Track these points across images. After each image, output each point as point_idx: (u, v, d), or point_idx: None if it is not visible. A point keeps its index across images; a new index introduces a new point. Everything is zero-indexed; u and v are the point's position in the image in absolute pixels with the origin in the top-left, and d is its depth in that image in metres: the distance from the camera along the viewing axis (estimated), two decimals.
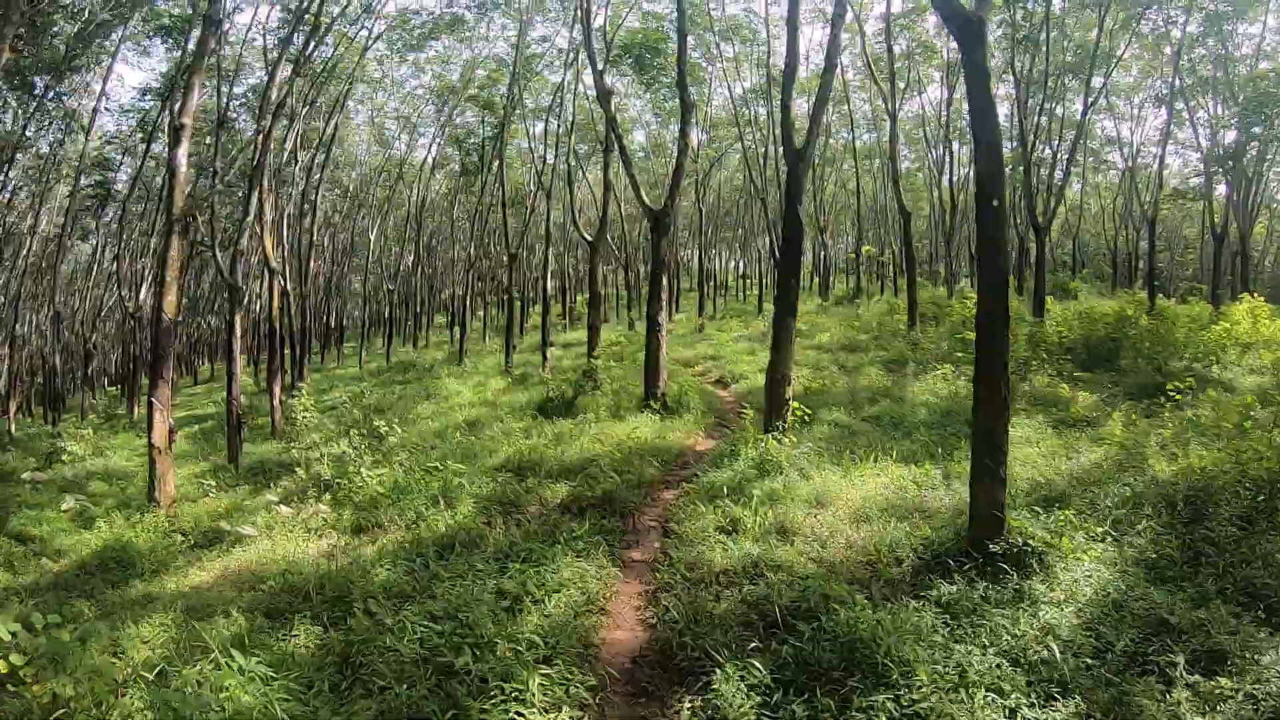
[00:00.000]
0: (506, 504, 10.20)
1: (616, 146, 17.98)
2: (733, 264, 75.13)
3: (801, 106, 38.60)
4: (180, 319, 22.04)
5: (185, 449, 20.99)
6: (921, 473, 10.55)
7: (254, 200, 19.01)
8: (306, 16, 21.16)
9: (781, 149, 11.85)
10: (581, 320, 56.59)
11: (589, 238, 21.28)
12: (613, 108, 18.14)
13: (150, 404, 12.55)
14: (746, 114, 43.31)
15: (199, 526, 11.85)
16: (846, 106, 43.44)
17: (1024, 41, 26.65)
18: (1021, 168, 26.60)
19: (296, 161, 32.06)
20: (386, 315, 52.17)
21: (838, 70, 37.81)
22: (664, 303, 16.01)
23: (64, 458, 20.25)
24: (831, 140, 46.07)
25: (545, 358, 26.15)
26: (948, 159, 39.71)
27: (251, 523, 11.21)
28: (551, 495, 10.48)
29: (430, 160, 43.43)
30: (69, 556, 11.39)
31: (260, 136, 19.61)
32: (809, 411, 12.84)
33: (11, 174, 30.18)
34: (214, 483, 14.97)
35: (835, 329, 30.45)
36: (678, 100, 16.79)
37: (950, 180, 41.06)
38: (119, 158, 33.58)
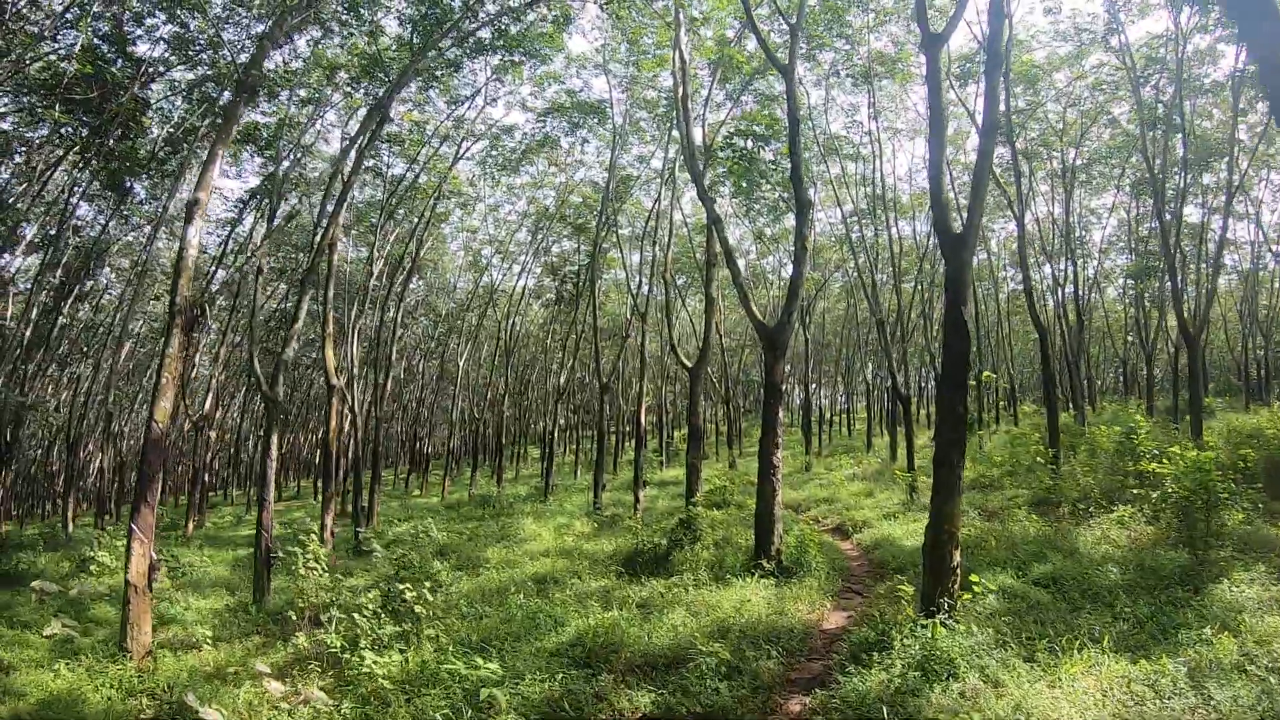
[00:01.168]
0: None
1: (722, 256, 15.51)
2: (831, 399, 71.57)
3: (905, 228, 36.26)
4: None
5: (222, 575, 18.84)
6: (1154, 669, 7.35)
7: (303, 307, 17.06)
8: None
9: (935, 238, 9.07)
10: (679, 457, 53.77)
11: (689, 364, 18.72)
12: (715, 209, 15.79)
13: (130, 531, 10.18)
14: (853, 237, 41.52)
15: (171, 689, 9.22)
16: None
17: (1158, 125, 23.64)
18: (1165, 271, 23.25)
19: (382, 281, 30.76)
20: (475, 445, 50.43)
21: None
22: (779, 438, 13.12)
23: (93, 568, 18.27)
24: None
25: (637, 499, 23.26)
26: (1070, 270, 36.12)
27: (230, 701, 8.47)
28: (630, 707, 7.46)
29: (524, 287, 42.12)
30: (21, 699, 8.97)
31: (320, 238, 17.87)
32: (976, 580, 9.59)
33: (103, 275, 29.88)
34: (213, 629, 12.42)
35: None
36: (792, 198, 14.32)
37: (1075, 294, 37.32)
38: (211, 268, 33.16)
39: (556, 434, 66.81)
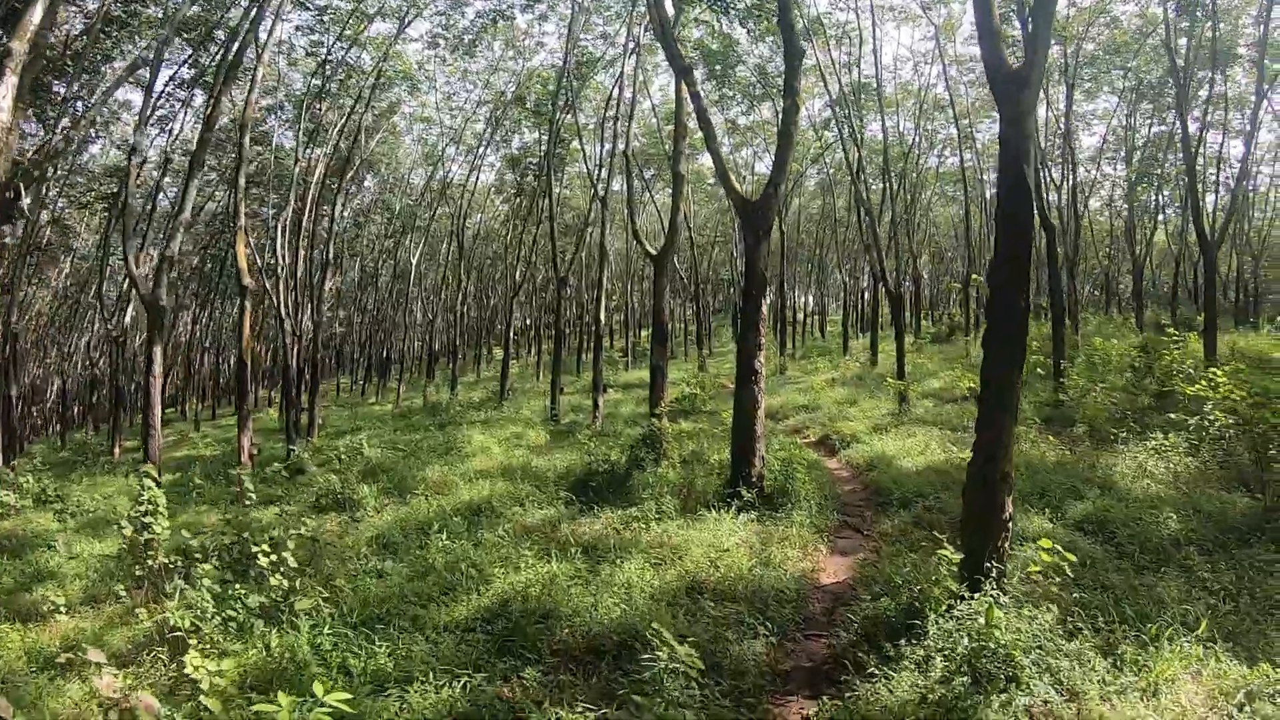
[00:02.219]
0: None
1: (694, 117, 12.82)
2: (803, 302, 69.55)
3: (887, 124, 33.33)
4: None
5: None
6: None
7: (190, 195, 14.20)
8: None
9: (989, 85, 6.46)
10: (646, 358, 51.17)
11: (653, 252, 16.11)
12: (684, 61, 12.95)
13: None
14: (840, 128, 38.70)
15: None
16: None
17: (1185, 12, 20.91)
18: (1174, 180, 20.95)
19: (329, 178, 27.63)
20: (433, 349, 47.87)
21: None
22: (762, 338, 10.71)
23: None
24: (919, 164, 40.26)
25: (596, 406, 20.99)
26: (1070, 176, 33.61)
27: (53, 702, 6.19)
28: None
29: (484, 182, 38.85)
30: None
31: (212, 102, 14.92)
32: (1046, 544, 7.38)
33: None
34: (86, 587, 10.05)
35: (944, 372, 24.78)
36: (782, 45, 11.58)
37: (1072, 200, 34.95)
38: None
39: (516, 336, 64.81)
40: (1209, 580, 7.28)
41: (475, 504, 12.05)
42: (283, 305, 22.94)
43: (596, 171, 24.57)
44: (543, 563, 8.16)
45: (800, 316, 63.60)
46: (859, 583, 7.89)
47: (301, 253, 27.09)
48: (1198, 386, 13.05)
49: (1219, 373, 12.87)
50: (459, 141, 37.50)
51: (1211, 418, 11.92)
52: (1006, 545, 6.56)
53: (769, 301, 10.21)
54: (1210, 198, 33.12)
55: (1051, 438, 13.71)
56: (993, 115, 41.12)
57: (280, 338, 28.91)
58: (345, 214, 42.08)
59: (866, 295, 55.91)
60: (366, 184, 44.04)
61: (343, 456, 17.85)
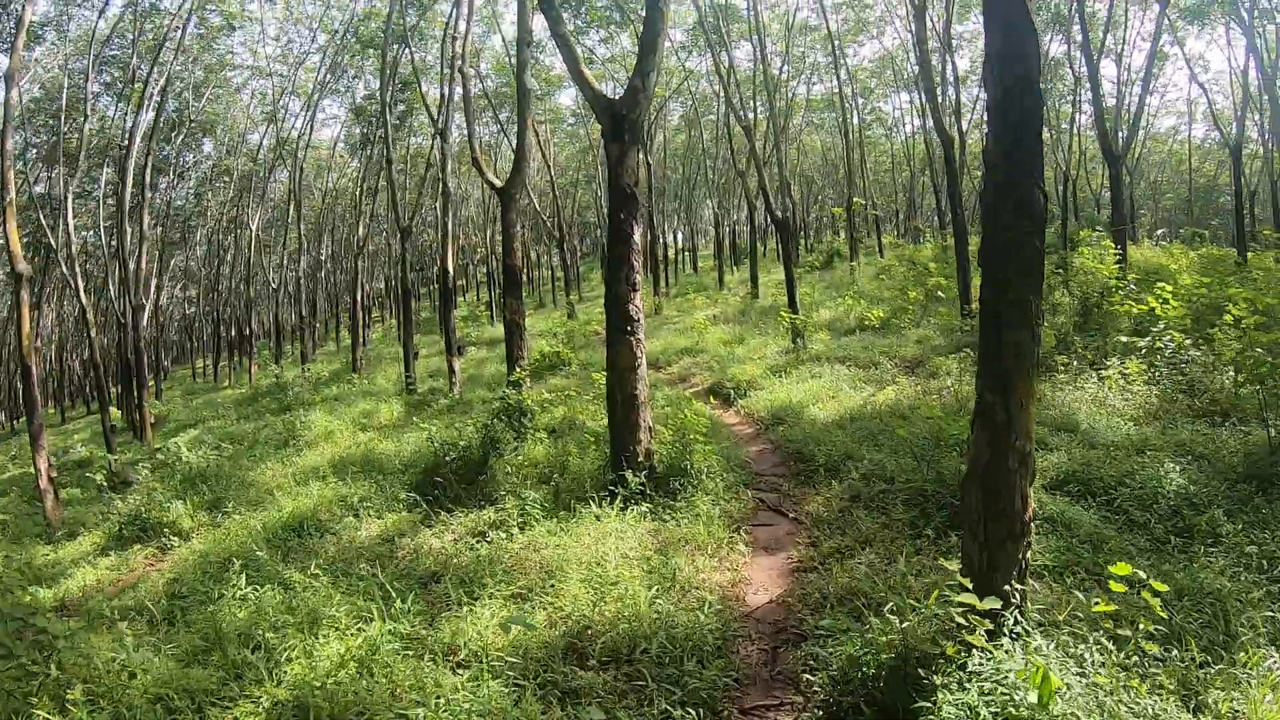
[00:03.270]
0: None
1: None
2: (672, 238, 67.60)
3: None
4: None
5: None
6: None
7: None
8: None
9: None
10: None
11: (498, 183, 13.30)
12: None
13: None
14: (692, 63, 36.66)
15: None
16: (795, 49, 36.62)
17: None
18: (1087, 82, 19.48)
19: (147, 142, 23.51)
20: (293, 320, 43.73)
21: None
22: (637, 275, 8.29)
23: None
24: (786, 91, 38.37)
25: (452, 371, 18.28)
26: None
27: None
28: None
29: (313, 135, 34.65)
30: None
31: None
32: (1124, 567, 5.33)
33: None
34: None
35: (830, 302, 23.11)
36: None
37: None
38: None
39: (381, 298, 60.52)
40: (1257, 556, 5.42)
41: (299, 517, 9.38)
42: (113, 289, 19.22)
43: (438, 106, 21.51)
44: (360, 625, 5.63)
45: (671, 254, 61.69)
46: (803, 603, 5.72)
47: (130, 230, 23.04)
48: (1138, 304, 11.54)
49: (1165, 287, 11.35)
50: (297, 93, 33.40)
51: (1167, 339, 10.35)
52: (1028, 555, 4.44)
53: (641, 230, 7.63)
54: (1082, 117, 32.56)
55: (971, 365, 11.91)
56: (859, 40, 39.90)
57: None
58: (181, 183, 37.61)
59: (739, 228, 54.45)
60: (206, 150, 39.34)
61: (164, 462, 14.73)
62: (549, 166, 38.67)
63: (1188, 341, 10.34)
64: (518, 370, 12.41)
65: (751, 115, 25.77)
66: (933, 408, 9.45)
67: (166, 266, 46.25)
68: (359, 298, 28.59)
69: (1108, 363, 10.75)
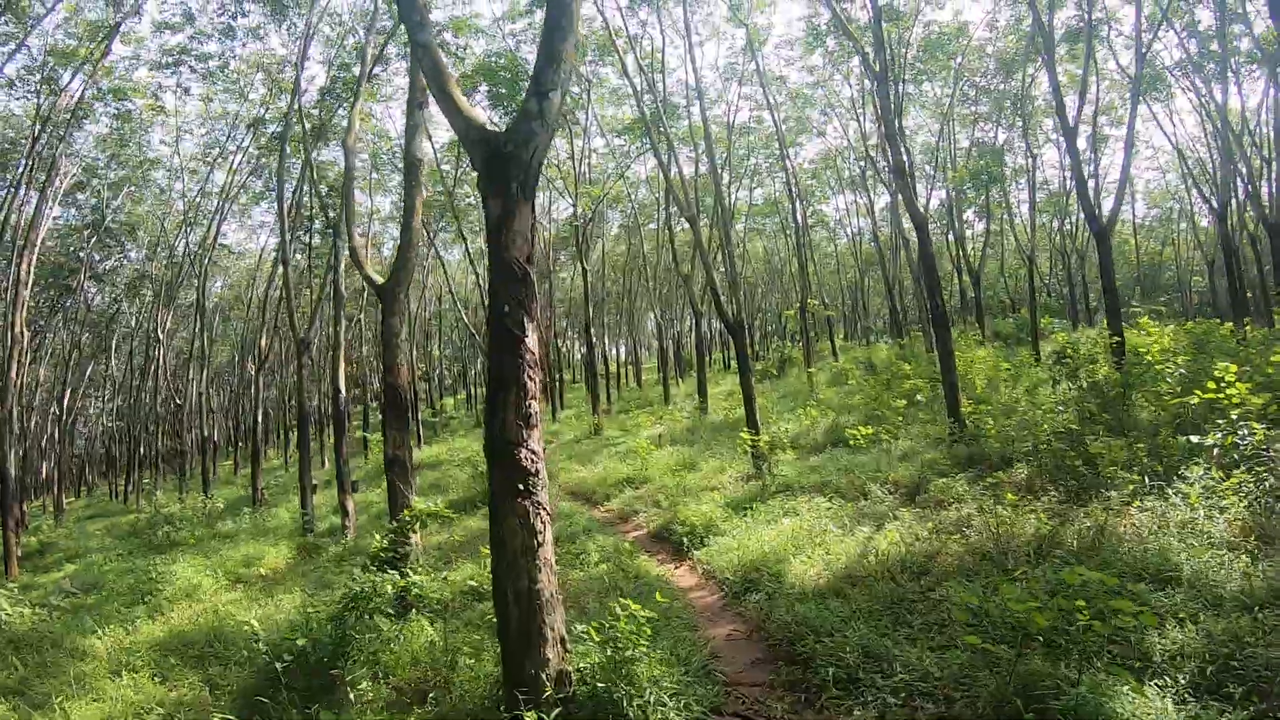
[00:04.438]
0: None
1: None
2: (615, 352, 65.13)
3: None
4: None
5: None
6: None
7: None
8: None
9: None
10: (450, 428, 44.51)
11: (378, 280, 10.33)
12: None
13: None
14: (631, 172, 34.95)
15: None
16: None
17: None
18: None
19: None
20: (207, 440, 39.61)
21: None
22: (535, 412, 5.34)
23: None
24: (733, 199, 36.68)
25: (345, 511, 15.04)
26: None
27: None
28: None
29: (213, 238, 31.58)
30: None
31: None
32: None
33: None
34: None
35: (788, 414, 20.36)
36: None
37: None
38: None
39: (265, 423, 56.32)
40: None
41: None
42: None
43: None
44: None
45: (613, 368, 59.07)
46: None
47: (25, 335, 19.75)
48: (1208, 393, 8.94)
49: (1228, 367, 8.79)
50: (214, 195, 30.59)
51: (1244, 432, 7.78)
52: None
53: (536, 331, 4.55)
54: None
55: (1012, 496, 9.01)
56: (798, 141, 38.76)
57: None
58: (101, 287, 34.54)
59: (685, 338, 52.33)
60: (130, 253, 36.35)
61: None
62: (428, 239, 35.74)
63: (1273, 433, 7.80)
64: (401, 525, 9.20)
65: (695, 210, 23.61)
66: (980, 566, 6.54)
67: (83, 375, 43.62)
68: (258, 420, 25.10)
69: (1185, 472, 7.99)
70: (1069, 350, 14.78)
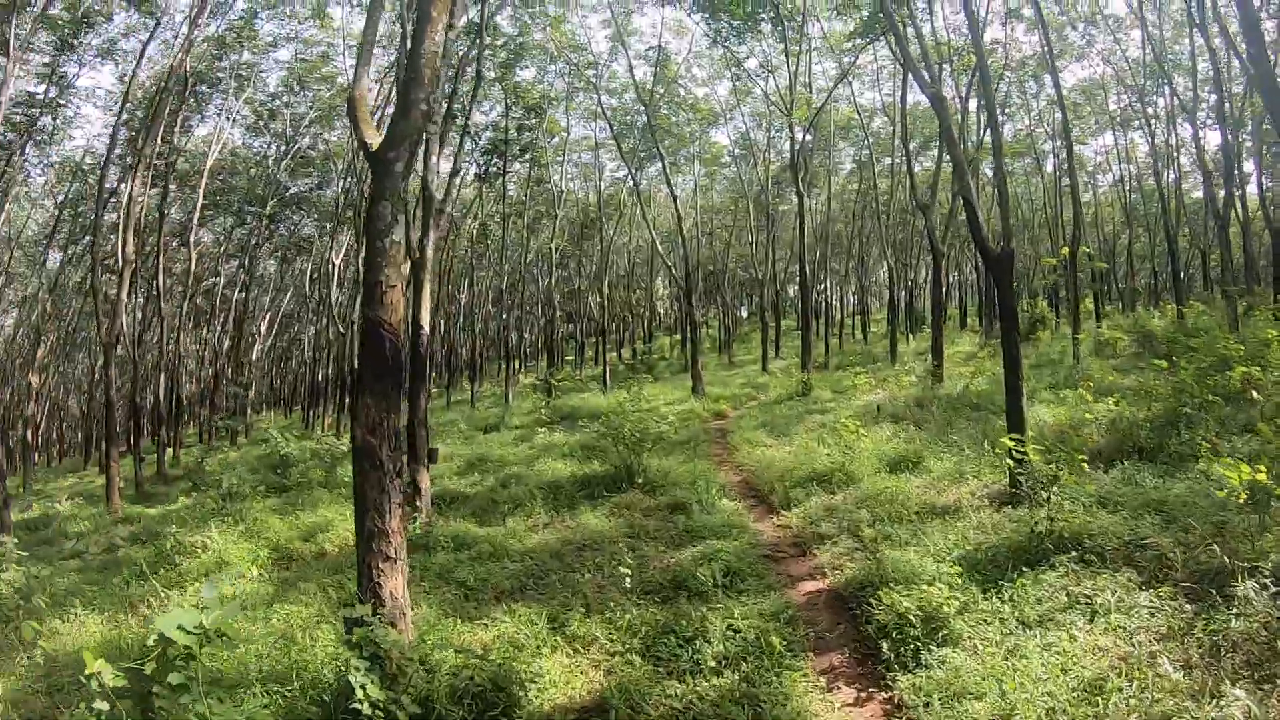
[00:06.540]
0: None
1: None
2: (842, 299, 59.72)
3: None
4: None
5: None
6: None
7: None
8: None
9: None
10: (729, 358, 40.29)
11: (372, 142, 6.35)
12: None
13: None
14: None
15: None
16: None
17: None
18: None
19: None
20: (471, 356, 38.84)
21: None
22: None
23: None
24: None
25: (417, 488, 11.48)
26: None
27: None
28: None
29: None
30: None
31: None
32: None
33: None
34: None
35: (1050, 393, 15.09)
36: None
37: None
38: None
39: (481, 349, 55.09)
40: None
41: None
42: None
43: None
44: None
45: (839, 316, 53.60)
46: None
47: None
48: None
49: None
50: None
51: None
52: None
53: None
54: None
55: None
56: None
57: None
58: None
59: (916, 290, 46.40)
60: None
61: None
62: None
63: None
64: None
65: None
66: None
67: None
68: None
69: None
70: None
